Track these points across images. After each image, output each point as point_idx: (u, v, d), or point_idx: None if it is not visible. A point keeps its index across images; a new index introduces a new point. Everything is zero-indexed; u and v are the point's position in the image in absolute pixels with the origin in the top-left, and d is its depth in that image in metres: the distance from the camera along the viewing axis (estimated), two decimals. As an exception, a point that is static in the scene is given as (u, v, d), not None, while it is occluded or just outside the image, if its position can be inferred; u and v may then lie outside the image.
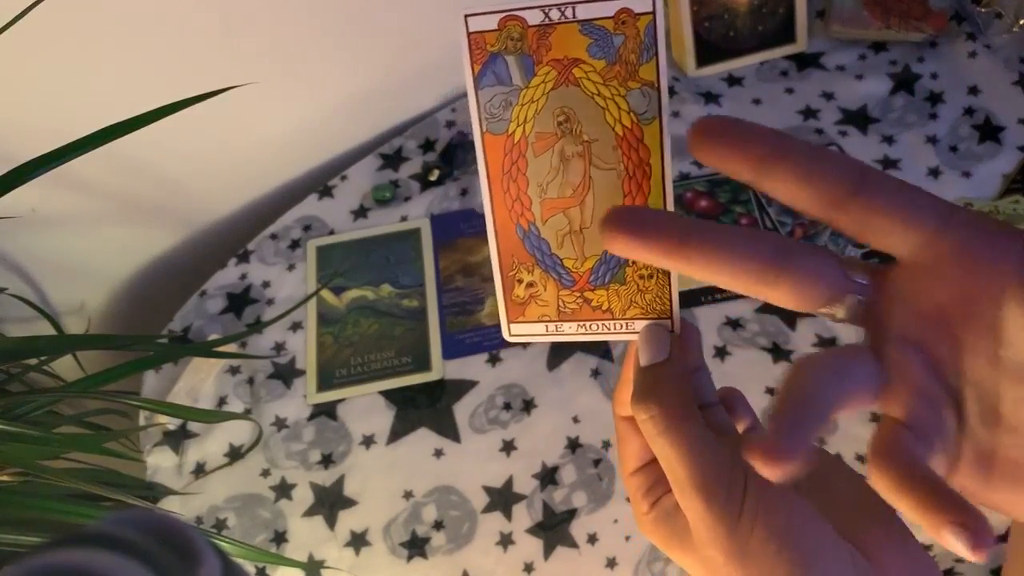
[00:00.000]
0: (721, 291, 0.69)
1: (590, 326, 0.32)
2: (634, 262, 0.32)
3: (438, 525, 0.62)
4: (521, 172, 0.31)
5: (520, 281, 0.33)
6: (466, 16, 0.30)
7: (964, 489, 0.25)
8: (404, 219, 0.78)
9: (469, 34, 0.30)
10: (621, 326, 0.32)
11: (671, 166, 0.30)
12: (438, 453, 0.65)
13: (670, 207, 0.30)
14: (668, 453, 0.27)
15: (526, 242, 0.32)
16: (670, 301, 0.31)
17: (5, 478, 0.49)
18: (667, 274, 0.31)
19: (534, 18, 0.29)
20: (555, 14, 0.29)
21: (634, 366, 0.30)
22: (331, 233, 0.78)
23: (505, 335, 0.33)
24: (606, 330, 0.32)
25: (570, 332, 0.33)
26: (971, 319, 0.24)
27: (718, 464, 0.26)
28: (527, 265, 0.32)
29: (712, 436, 0.27)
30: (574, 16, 0.29)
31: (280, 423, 0.68)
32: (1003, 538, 0.54)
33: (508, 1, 0.30)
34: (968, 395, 0.25)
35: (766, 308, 0.69)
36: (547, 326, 0.33)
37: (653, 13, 0.28)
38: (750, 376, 0.66)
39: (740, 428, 0.35)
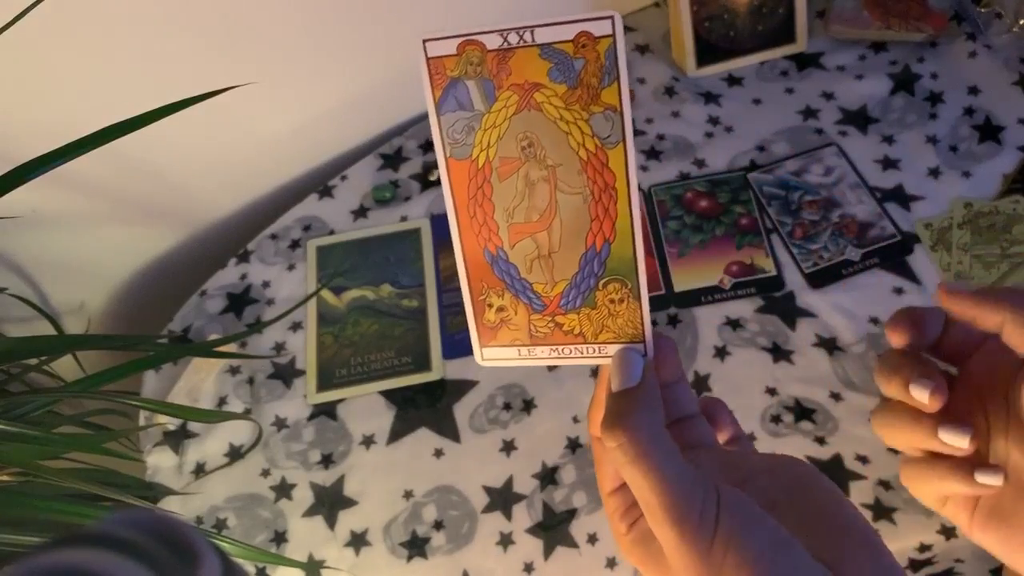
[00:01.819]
0: (721, 291, 0.69)
1: (562, 350, 0.32)
2: (604, 286, 0.31)
3: (438, 525, 0.62)
4: (487, 197, 0.31)
5: (490, 305, 0.32)
6: (424, 41, 0.30)
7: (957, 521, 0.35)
8: (404, 219, 0.78)
9: (428, 59, 0.30)
10: (593, 350, 0.32)
11: (637, 188, 0.30)
12: (438, 453, 0.65)
13: (637, 231, 0.30)
14: (638, 481, 0.27)
15: (495, 267, 0.32)
16: (642, 325, 0.31)
17: (5, 478, 0.49)
18: (638, 298, 0.31)
19: (493, 42, 0.29)
20: (514, 38, 0.29)
21: (606, 391, 0.30)
22: (331, 233, 0.78)
23: (477, 359, 0.33)
24: (579, 354, 0.32)
25: (543, 356, 0.33)
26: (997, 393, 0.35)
27: (690, 490, 0.26)
28: (497, 290, 0.32)
29: (683, 462, 0.27)
30: (533, 40, 0.29)
31: (280, 423, 0.68)
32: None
33: (468, 25, 0.29)
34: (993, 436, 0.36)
35: (766, 308, 0.69)
36: (519, 350, 0.33)
37: (613, 36, 0.28)
38: (750, 376, 0.65)
39: (722, 439, 0.35)
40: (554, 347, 0.32)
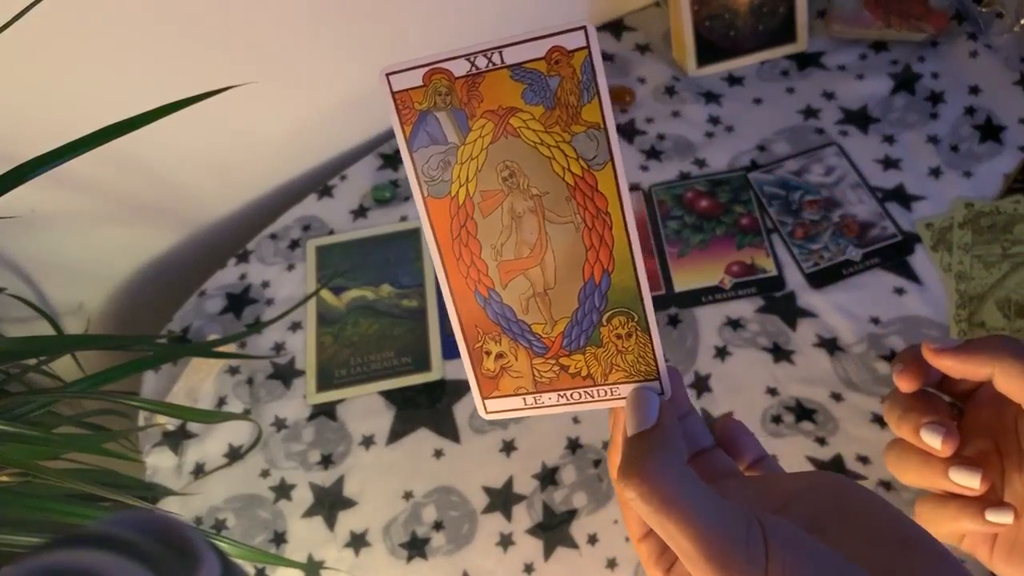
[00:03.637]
0: (722, 291, 0.69)
1: (571, 395, 0.30)
2: (609, 320, 0.29)
3: (438, 526, 0.62)
4: (471, 235, 0.29)
5: (488, 353, 0.30)
6: (387, 75, 0.27)
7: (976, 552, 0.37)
8: (404, 219, 0.78)
9: (394, 93, 0.28)
10: (605, 392, 0.29)
11: (632, 212, 0.27)
12: (438, 453, 0.65)
13: (638, 257, 0.28)
14: (668, 530, 0.24)
15: (488, 310, 0.30)
16: (655, 360, 0.29)
17: (4, 478, 0.49)
18: (648, 331, 0.28)
19: (460, 68, 0.27)
20: (481, 62, 0.27)
21: (622, 435, 0.28)
22: (331, 233, 0.78)
23: (480, 413, 0.31)
24: (589, 398, 0.30)
25: (550, 403, 0.30)
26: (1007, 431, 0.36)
27: (730, 529, 0.24)
28: (493, 335, 0.30)
29: (718, 499, 0.25)
30: (502, 62, 0.27)
31: (280, 423, 0.68)
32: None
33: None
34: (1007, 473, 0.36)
35: (766, 308, 0.68)
36: (524, 399, 0.30)
37: (588, 48, 0.26)
38: (751, 376, 0.65)
39: (744, 463, 0.32)
40: (561, 393, 0.30)
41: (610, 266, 0.28)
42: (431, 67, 0.27)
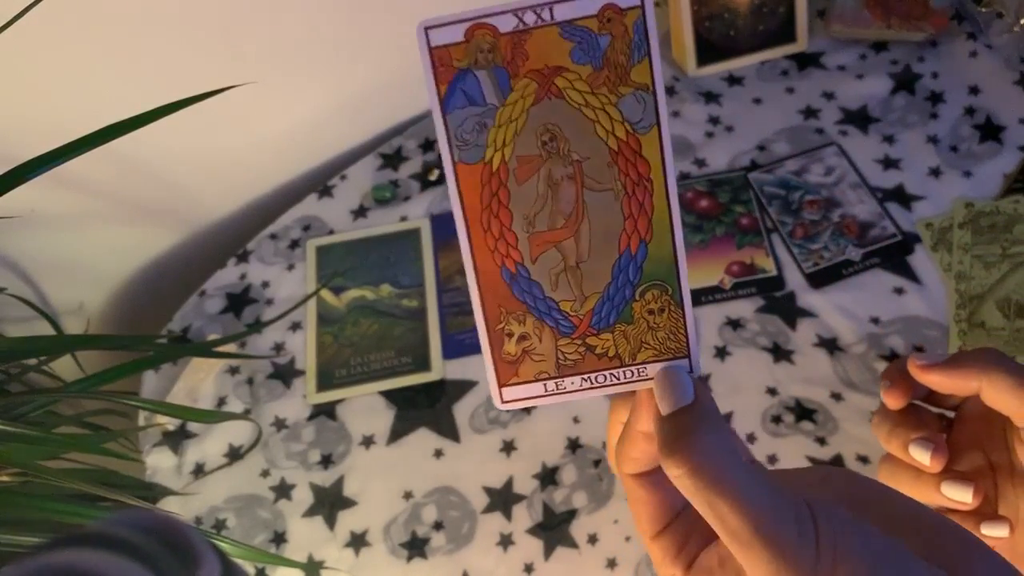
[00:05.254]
0: (721, 291, 0.69)
1: (596, 378, 0.28)
2: (642, 294, 0.27)
3: (438, 526, 0.62)
4: (503, 205, 0.27)
5: (510, 335, 0.28)
6: (426, 28, 0.26)
7: None
8: (404, 219, 0.78)
9: (431, 49, 0.26)
10: (632, 373, 0.28)
11: (675, 178, 0.26)
12: (438, 453, 0.65)
13: (677, 226, 0.27)
14: (718, 507, 0.23)
15: (514, 287, 0.28)
16: (686, 337, 0.27)
17: (4, 478, 0.49)
18: (681, 305, 0.27)
19: (506, 24, 0.25)
20: (530, 17, 0.25)
21: (654, 418, 0.27)
22: (331, 233, 0.78)
23: (496, 403, 0.29)
24: (615, 380, 0.28)
25: (573, 388, 0.28)
26: (997, 440, 0.37)
27: (782, 507, 0.23)
28: (517, 314, 0.28)
29: (766, 478, 0.24)
30: (552, 18, 0.25)
31: (280, 423, 0.68)
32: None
33: (472, 6, 0.26)
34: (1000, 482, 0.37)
35: (766, 308, 0.68)
36: (545, 385, 0.28)
37: (642, 7, 0.25)
38: (750, 376, 0.65)
39: None
40: (586, 376, 0.28)
41: (648, 236, 0.27)
42: (475, 22, 0.26)
